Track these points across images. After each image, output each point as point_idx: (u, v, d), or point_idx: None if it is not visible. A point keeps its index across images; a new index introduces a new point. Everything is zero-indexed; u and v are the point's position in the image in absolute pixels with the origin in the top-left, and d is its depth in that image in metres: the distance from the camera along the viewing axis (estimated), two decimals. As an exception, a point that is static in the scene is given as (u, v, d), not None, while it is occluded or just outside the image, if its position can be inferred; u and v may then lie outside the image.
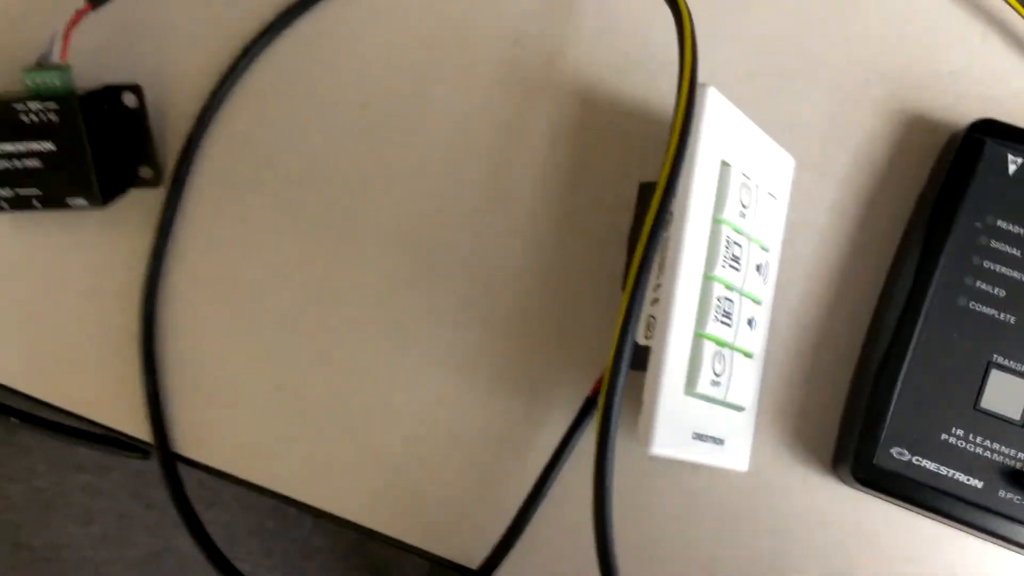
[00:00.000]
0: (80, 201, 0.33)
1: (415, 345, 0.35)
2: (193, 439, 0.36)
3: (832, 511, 0.33)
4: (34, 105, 0.32)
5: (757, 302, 0.31)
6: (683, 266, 0.27)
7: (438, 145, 0.35)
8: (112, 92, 0.34)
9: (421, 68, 0.36)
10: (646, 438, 0.26)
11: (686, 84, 0.26)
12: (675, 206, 0.28)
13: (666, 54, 0.34)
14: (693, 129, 0.28)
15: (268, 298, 0.35)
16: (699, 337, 0.28)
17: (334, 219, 0.35)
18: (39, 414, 0.38)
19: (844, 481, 0.32)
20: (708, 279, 0.28)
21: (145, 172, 0.35)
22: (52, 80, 0.32)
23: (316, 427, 0.35)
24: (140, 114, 0.35)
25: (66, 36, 0.33)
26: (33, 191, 0.32)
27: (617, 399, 0.25)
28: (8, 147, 0.32)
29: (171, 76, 0.36)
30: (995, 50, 0.34)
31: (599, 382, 0.32)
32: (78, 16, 0.33)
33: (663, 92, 0.34)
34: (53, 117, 0.32)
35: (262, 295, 0.35)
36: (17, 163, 0.32)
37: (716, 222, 0.29)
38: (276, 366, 0.35)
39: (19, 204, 0.33)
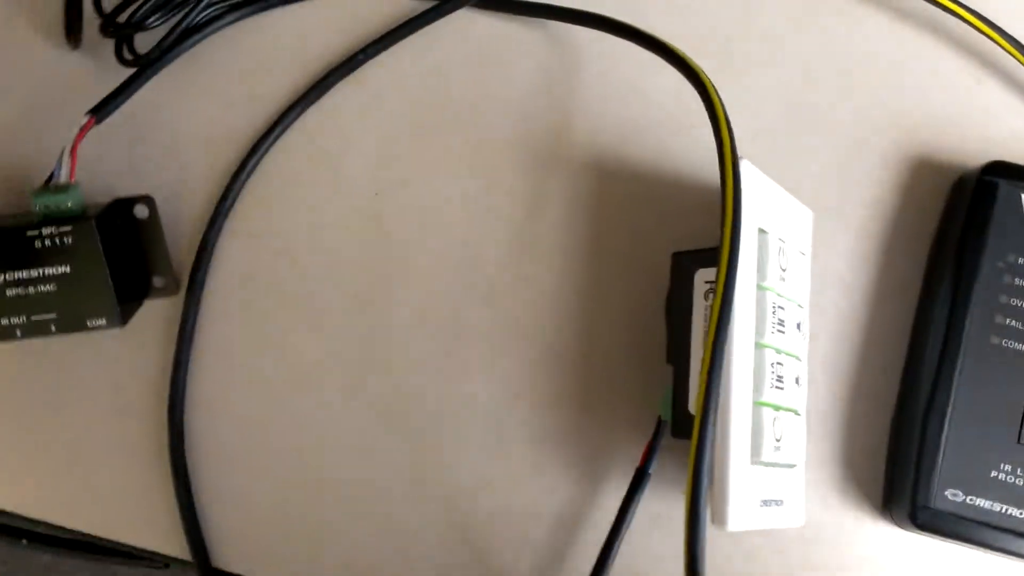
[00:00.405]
0: (99, 322, 0.32)
1: (451, 432, 0.34)
2: (231, 551, 0.34)
3: (887, 554, 0.33)
4: (48, 230, 0.31)
5: (799, 359, 0.31)
6: (736, 338, 0.27)
7: (455, 228, 0.35)
8: (124, 205, 0.34)
9: (430, 152, 0.36)
10: (721, 517, 0.26)
11: (730, 183, 0.27)
12: (720, 279, 0.28)
13: (673, 115, 0.35)
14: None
15: (298, 395, 0.35)
16: (758, 406, 0.28)
17: (356, 310, 0.35)
18: (54, 534, 0.36)
19: (899, 524, 0.32)
20: (760, 347, 0.29)
21: (159, 282, 0.35)
22: (64, 202, 0.31)
23: (357, 524, 0.34)
24: (153, 224, 0.34)
25: (74, 154, 0.32)
26: (49, 316, 0.31)
27: (702, 508, 0.25)
28: (22, 274, 0.31)
29: (179, 180, 0.36)
30: (991, 92, 0.35)
31: (647, 451, 0.32)
32: (84, 131, 0.32)
33: (674, 153, 0.35)
34: (68, 240, 0.31)
35: (291, 393, 0.35)
36: (31, 289, 0.31)
37: (760, 289, 0.29)
38: (311, 465, 0.34)
39: (34, 331, 0.31)
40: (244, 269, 0.35)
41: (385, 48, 0.36)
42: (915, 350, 0.33)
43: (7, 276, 0.31)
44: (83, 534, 0.35)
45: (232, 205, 0.35)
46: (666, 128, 0.35)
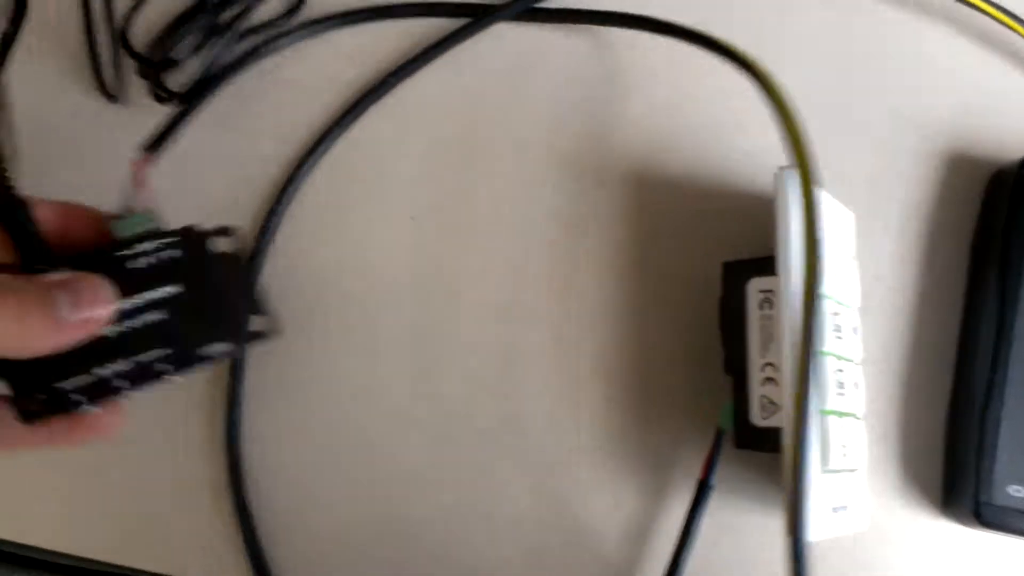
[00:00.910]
0: (221, 347, 0.27)
1: (507, 452, 0.34)
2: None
3: (949, 553, 0.33)
4: (146, 246, 0.26)
5: (856, 363, 0.32)
6: (800, 348, 0.27)
7: (498, 243, 0.35)
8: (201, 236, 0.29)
9: (466, 170, 0.36)
10: (796, 528, 0.26)
11: (807, 189, 0.27)
12: (781, 290, 0.28)
13: (710, 123, 0.35)
14: (782, 213, 0.28)
15: (351, 423, 0.35)
16: (825, 414, 0.28)
17: (404, 333, 0.35)
18: (100, 569, 0.36)
19: (961, 522, 0.32)
20: (822, 355, 0.29)
21: (260, 323, 0.29)
22: (147, 226, 0.27)
23: (419, 551, 0.34)
24: (237, 260, 0.29)
25: (142, 180, 0.29)
26: (159, 352, 0.26)
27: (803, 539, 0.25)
28: (122, 305, 0.26)
29: (220, 212, 0.35)
30: (1019, 85, 0.35)
31: (708, 463, 0.32)
32: (147, 161, 0.30)
33: (713, 161, 0.35)
34: (172, 253, 0.27)
35: (344, 421, 0.35)
36: (135, 322, 0.26)
37: (818, 297, 0.29)
38: (370, 491, 0.34)
39: (143, 378, 0.26)
40: (290, 300, 0.35)
41: (417, 69, 0.36)
42: (966, 346, 0.33)
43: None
44: (135, 571, 0.34)
45: (272, 237, 0.35)
46: (704, 134, 0.35)
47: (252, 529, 0.34)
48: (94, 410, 0.25)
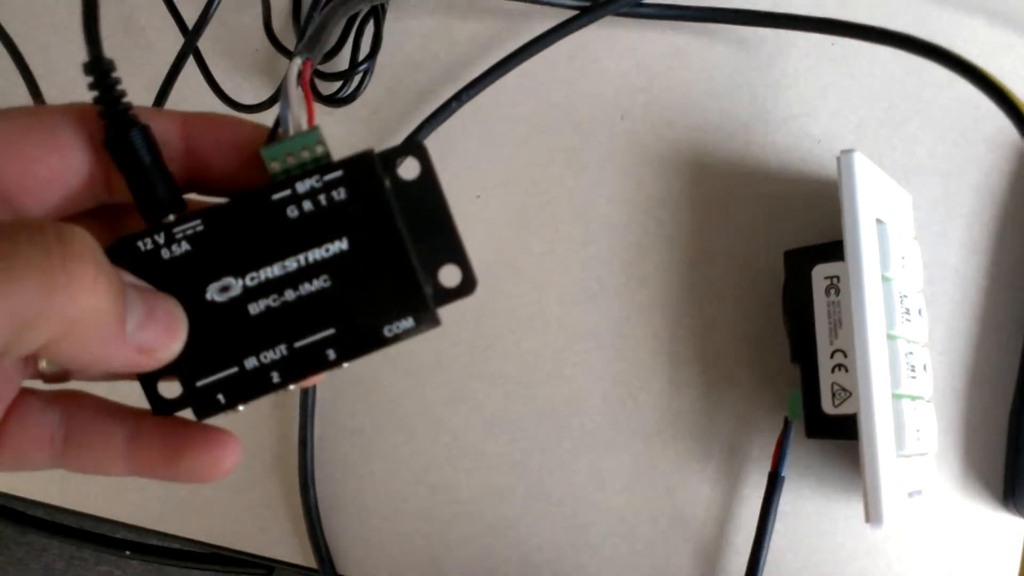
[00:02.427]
0: (404, 324, 0.20)
1: (570, 433, 0.34)
2: (352, 560, 0.35)
3: (1011, 545, 0.32)
4: (307, 185, 0.19)
5: (924, 346, 0.31)
6: (871, 332, 0.27)
7: (562, 228, 0.35)
8: (384, 160, 0.20)
9: (530, 154, 0.36)
10: (876, 515, 0.26)
11: None
12: (849, 274, 0.28)
13: (774, 109, 0.35)
14: (848, 198, 0.28)
15: (409, 402, 0.35)
16: (897, 398, 0.28)
17: (466, 316, 0.35)
18: (158, 543, 0.37)
19: (1023, 515, 0.32)
20: (892, 339, 0.28)
21: (451, 276, 0.20)
22: (309, 151, 0.20)
23: (477, 535, 0.34)
24: (429, 190, 0.20)
25: (307, 90, 0.20)
26: (324, 333, 0.19)
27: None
28: (274, 271, 0.19)
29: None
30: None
31: (777, 454, 0.32)
32: (307, 68, 0.21)
33: (779, 149, 0.35)
34: (341, 195, 0.19)
35: (404, 399, 0.35)
36: (291, 294, 0.19)
37: (886, 280, 0.29)
38: (428, 472, 0.35)
39: (302, 368, 0.19)
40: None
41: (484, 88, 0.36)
42: None
43: (248, 280, 0.19)
44: (191, 543, 0.36)
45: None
46: (769, 121, 0.35)
47: (313, 504, 0.35)
48: (242, 409, 0.19)
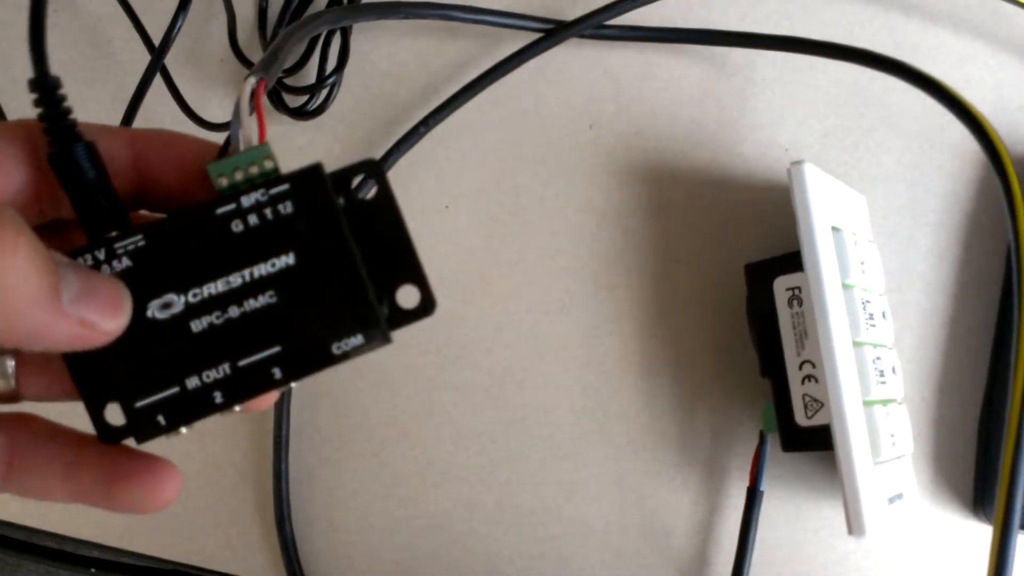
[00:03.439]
0: (353, 341, 0.19)
1: (539, 444, 0.34)
2: (322, 573, 0.35)
3: (980, 553, 0.32)
4: (252, 199, 0.19)
5: (891, 348, 0.31)
6: (836, 341, 0.27)
7: (530, 237, 0.35)
8: (339, 179, 0.20)
9: (499, 163, 0.36)
10: (858, 527, 0.26)
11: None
12: (810, 284, 0.28)
13: (741, 118, 0.35)
14: (802, 209, 0.28)
15: (378, 411, 0.35)
16: (868, 405, 0.28)
17: (436, 320, 0.34)
18: (121, 560, 0.36)
19: (992, 522, 0.32)
20: (858, 345, 0.28)
21: (408, 296, 0.20)
22: (257, 168, 0.19)
23: (448, 549, 0.34)
24: (388, 208, 0.20)
25: (259, 106, 0.20)
26: (269, 351, 0.19)
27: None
28: (217, 287, 0.19)
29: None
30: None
31: (755, 469, 0.32)
32: (261, 88, 0.21)
33: (747, 157, 0.35)
34: (287, 208, 0.19)
35: (373, 409, 0.35)
36: (235, 310, 0.19)
37: (847, 288, 0.29)
38: (401, 483, 0.34)
39: (247, 387, 0.19)
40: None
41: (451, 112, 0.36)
42: (1001, 345, 0.32)
43: (191, 297, 0.19)
44: (155, 560, 0.35)
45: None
46: (736, 131, 0.35)
47: (285, 518, 0.34)
48: (185, 431, 0.19)
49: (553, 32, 0.34)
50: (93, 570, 0.38)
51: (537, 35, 0.35)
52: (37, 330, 0.16)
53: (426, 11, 0.34)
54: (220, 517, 0.35)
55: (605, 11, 0.34)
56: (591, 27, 0.34)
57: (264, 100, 0.21)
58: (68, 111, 0.18)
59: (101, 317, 0.17)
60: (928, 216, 0.34)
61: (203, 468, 0.35)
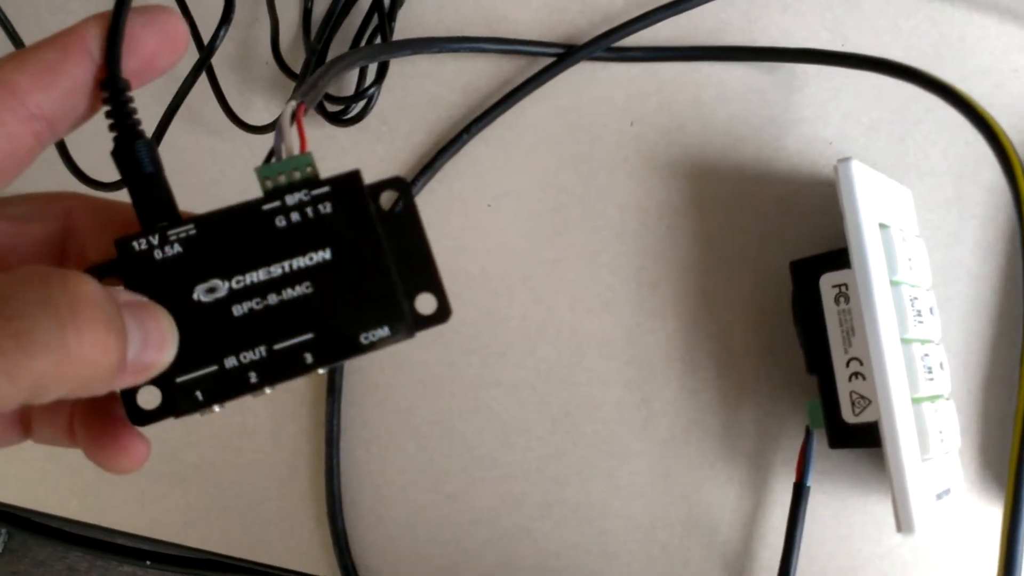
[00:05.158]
0: (380, 333, 0.21)
1: (584, 440, 0.34)
2: (372, 569, 0.35)
3: None
4: (295, 198, 0.21)
5: (938, 343, 0.31)
6: (884, 340, 0.27)
7: (573, 235, 0.35)
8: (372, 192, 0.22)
9: (541, 162, 0.36)
10: (907, 524, 0.26)
11: None
12: (858, 283, 0.28)
13: (784, 112, 0.35)
14: (849, 205, 0.28)
15: (430, 406, 0.35)
16: (917, 403, 0.28)
17: (479, 323, 0.36)
18: (178, 553, 0.38)
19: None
20: (906, 343, 0.28)
21: (427, 304, 0.22)
22: (295, 175, 0.21)
23: (496, 544, 0.34)
24: (412, 222, 0.22)
25: (300, 122, 0.22)
26: (302, 337, 0.20)
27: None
28: (258, 275, 0.20)
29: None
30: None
31: (801, 464, 0.32)
32: (302, 109, 0.23)
33: (790, 152, 0.34)
34: (326, 208, 0.21)
35: (423, 404, 0.35)
36: (274, 298, 0.20)
37: (895, 285, 0.29)
38: (450, 480, 0.35)
39: (280, 370, 0.20)
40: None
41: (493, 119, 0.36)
42: None
43: (234, 283, 0.20)
44: (211, 554, 0.36)
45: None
46: (778, 126, 0.35)
47: (338, 514, 0.35)
48: (218, 409, 0.20)
49: (574, 52, 0.35)
50: (148, 563, 0.39)
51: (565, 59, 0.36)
52: (103, 387, 0.18)
53: (459, 45, 0.35)
54: (272, 512, 0.36)
55: (618, 31, 0.35)
56: (601, 49, 0.35)
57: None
58: (133, 111, 0.20)
59: (157, 357, 0.19)
60: (975, 209, 0.33)
61: (256, 465, 0.36)
